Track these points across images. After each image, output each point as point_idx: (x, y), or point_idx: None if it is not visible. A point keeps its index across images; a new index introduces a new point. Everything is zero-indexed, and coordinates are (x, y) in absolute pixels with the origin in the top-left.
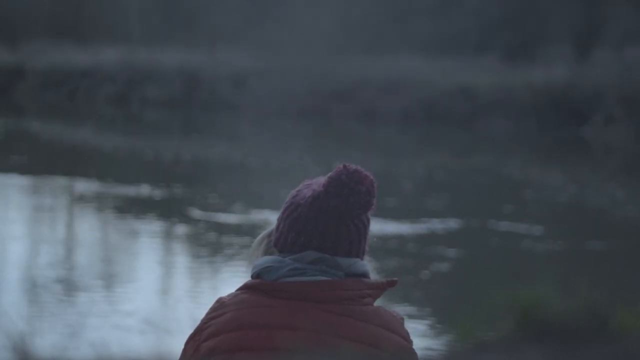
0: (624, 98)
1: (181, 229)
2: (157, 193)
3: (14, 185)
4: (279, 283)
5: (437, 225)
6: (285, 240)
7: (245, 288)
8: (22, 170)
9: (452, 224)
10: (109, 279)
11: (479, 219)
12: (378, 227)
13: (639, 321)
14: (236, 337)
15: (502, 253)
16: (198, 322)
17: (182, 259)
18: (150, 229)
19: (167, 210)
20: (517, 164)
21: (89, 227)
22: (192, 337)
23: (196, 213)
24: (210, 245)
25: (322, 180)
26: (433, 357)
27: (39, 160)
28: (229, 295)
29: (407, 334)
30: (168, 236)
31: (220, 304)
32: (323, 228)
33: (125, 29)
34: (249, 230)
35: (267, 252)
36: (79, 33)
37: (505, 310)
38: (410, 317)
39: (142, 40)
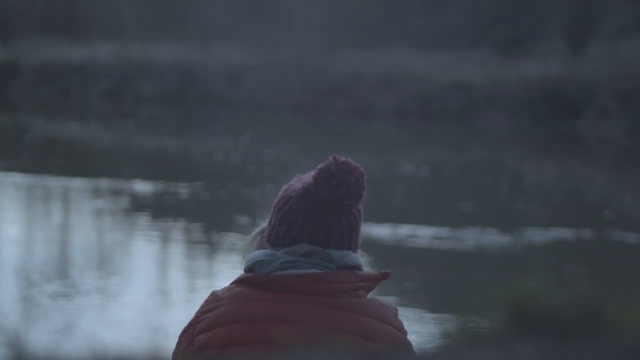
0: (618, 92)
1: (178, 229)
2: (154, 189)
3: (14, 185)
4: (271, 276)
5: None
6: (277, 234)
7: (238, 282)
8: (30, 168)
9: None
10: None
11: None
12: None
13: (633, 315)
14: (229, 331)
15: None
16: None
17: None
18: (144, 226)
19: (164, 208)
20: (521, 160)
21: (91, 225)
22: (185, 330)
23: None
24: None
25: (312, 173)
26: (427, 350)
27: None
28: (222, 289)
29: (402, 324)
30: (164, 233)
31: (214, 297)
32: (314, 220)
33: (119, 25)
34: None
35: (260, 248)
36: (73, 29)
37: (499, 304)
38: None
39: (136, 36)
